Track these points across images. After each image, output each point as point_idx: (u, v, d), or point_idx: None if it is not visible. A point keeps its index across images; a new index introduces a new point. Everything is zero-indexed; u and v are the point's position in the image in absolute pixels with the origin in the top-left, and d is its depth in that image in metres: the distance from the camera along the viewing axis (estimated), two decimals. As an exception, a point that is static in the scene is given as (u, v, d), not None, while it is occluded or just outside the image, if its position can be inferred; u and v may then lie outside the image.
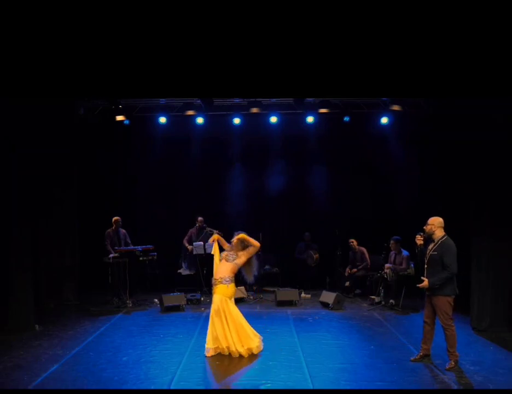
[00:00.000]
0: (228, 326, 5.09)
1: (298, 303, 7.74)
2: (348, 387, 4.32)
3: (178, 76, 4.38)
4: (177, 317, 6.85)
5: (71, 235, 8.08)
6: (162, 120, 8.56)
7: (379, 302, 7.65)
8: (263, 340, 5.36)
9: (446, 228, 4.91)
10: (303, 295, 8.25)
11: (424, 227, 4.92)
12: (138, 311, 7.33)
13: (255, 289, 8.70)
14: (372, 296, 7.84)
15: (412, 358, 5.03)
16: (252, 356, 5.12)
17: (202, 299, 7.82)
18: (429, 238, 4.91)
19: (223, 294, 5.16)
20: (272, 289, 8.40)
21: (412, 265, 7.67)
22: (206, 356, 5.11)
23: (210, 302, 5.49)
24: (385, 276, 7.63)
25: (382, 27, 4.05)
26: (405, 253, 7.75)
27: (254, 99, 8.16)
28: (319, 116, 8.48)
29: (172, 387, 4.30)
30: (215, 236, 5.62)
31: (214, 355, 5.10)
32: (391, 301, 7.54)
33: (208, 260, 7.38)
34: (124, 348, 5.44)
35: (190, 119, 8.63)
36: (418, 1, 3.96)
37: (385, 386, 4.34)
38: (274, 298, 7.86)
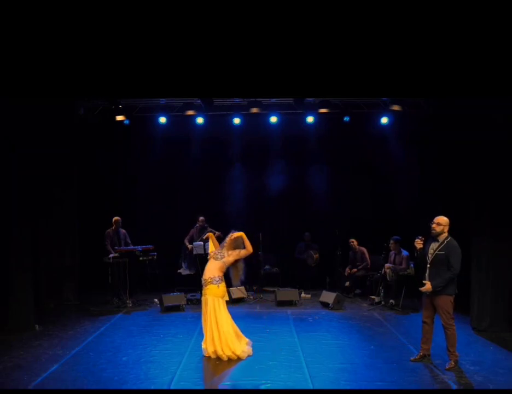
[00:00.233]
0: (218, 330, 5.02)
1: (298, 303, 7.74)
2: (348, 387, 4.32)
3: (178, 76, 4.38)
4: (177, 317, 6.85)
5: (71, 235, 8.07)
6: (162, 120, 8.56)
7: (379, 302, 7.65)
8: (263, 341, 5.35)
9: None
10: (303, 295, 8.25)
11: (434, 227, 4.82)
12: (138, 311, 7.33)
13: (255, 289, 8.71)
14: (372, 296, 7.84)
15: (412, 358, 5.03)
16: (252, 356, 5.12)
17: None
18: (434, 238, 4.88)
19: (214, 295, 5.09)
20: (272, 289, 8.40)
21: (412, 265, 7.67)
22: (205, 356, 5.12)
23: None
24: (386, 276, 7.64)
25: (382, 27, 4.05)
26: (404, 253, 7.75)
27: (254, 99, 8.16)
28: (319, 116, 8.48)
29: (172, 387, 4.30)
30: (209, 233, 5.58)
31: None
32: (391, 301, 7.54)
33: (208, 260, 7.37)
34: (124, 348, 5.44)
35: (190, 119, 8.63)
36: (418, 1, 3.96)
37: (385, 386, 4.34)
38: (274, 298, 7.86)
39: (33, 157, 6.61)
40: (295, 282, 8.70)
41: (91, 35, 4.08)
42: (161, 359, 5.05)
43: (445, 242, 4.79)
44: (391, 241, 7.82)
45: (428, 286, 4.75)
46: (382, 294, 7.71)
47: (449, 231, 4.86)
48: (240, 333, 5.26)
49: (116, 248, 7.68)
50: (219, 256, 5.20)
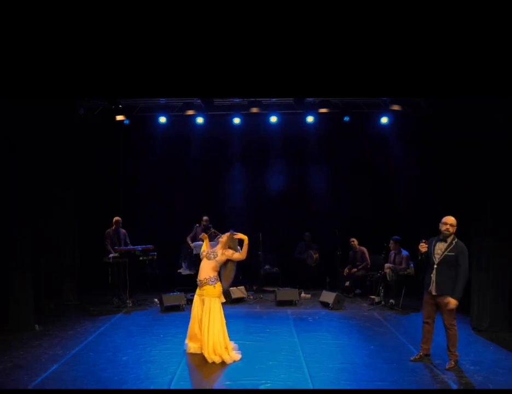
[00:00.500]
0: (208, 332, 4.99)
1: (298, 303, 7.75)
2: (348, 387, 4.32)
3: (178, 76, 4.37)
4: (177, 317, 6.85)
5: (71, 235, 8.07)
6: (162, 119, 8.56)
7: (379, 302, 7.65)
8: (263, 341, 5.33)
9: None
10: (303, 295, 8.25)
11: (448, 228, 4.76)
12: (138, 310, 7.33)
13: (255, 289, 8.71)
14: (372, 296, 7.84)
15: (412, 358, 5.03)
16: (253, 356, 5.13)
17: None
18: (440, 238, 4.85)
19: (211, 295, 5.09)
20: (272, 289, 8.39)
21: (412, 265, 7.68)
22: (191, 353, 5.17)
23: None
24: (386, 276, 7.64)
25: (382, 27, 4.05)
26: (404, 252, 7.75)
27: (254, 99, 8.17)
28: (319, 116, 8.48)
29: (171, 387, 4.30)
30: (204, 235, 5.54)
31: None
32: (391, 301, 7.54)
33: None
34: (124, 348, 5.44)
35: (190, 119, 8.63)
36: (418, 1, 3.96)
37: (385, 386, 4.34)
38: (274, 298, 7.86)
39: (33, 157, 6.61)
40: (295, 282, 8.70)
41: (91, 35, 4.08)
42: (161, 359, 5.05)
43: (454, 243, 4.77)
44: (391, 241, 7.83)
45: (453, 301, 4.63)
46: (382, 294, 7.72)
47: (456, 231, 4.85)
48: (228, 338, 5.17)
49: (116, 248, 7.68)
50: (212, 256, 5.16)
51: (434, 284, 4.80)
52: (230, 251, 5.17)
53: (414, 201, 8.74)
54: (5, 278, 6.08)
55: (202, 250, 5.36)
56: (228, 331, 5.18)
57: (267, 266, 9.01)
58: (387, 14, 3.99)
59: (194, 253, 8.24)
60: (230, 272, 5.23)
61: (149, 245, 7.82)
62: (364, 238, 8.63)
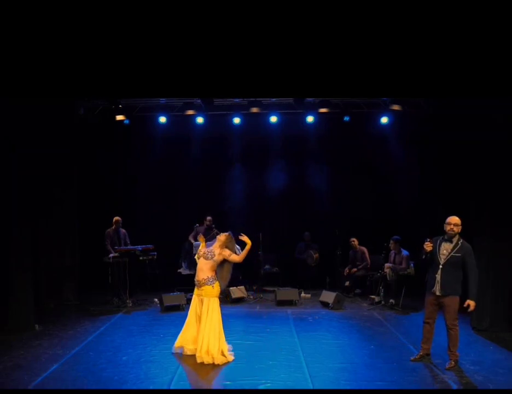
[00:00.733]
0: (205, 330, 4.98)
1: (298, 303, 7.75)
2: (348, 387, 4.32)
3: (178, 76, 4.38)
4: (177, 317, 6.84)
5: (71, 235, 8.07)
6: (162, 119, 8.57)
7: (379, 302, 7.65)
8: (263, 341, 5.32)
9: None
10: (303, 294, 8.25)
11: (452, 228, 4.76)
12: (138, 310, 7.33)
13: (255, 288, 8.72)
14: (372, 296, 7.84)
15: (412, 358, 5.03)
16: (252, 356, 5.14)
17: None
18: (445, 239, 4.84)
19: (210, 295, 5.07)
20: (272, 289, 8.39)
21: (412, 264, 7.68)
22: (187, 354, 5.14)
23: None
24: (386, 276, 7.64)
25: (382, 27, 4.05)
26: (404, 252, 7.75)
27: (254, 99, 8.17)
28: (319, 116, 8.48)
29: (171, 387, 4.30)
30: (201, 237, 5.50)
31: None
32: (391, 300, 7.54)
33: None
34: (124, 347, 5.44)
35: (190, 119, 8.64)
36: (418, 1, 3.96)
37: (385, 386, 4.34)
38: (274, 298, 7.86)
39: (33, 157, 6.60)
40: (295, 282, 8.70)
41: (91, 35, 4.08)
42: (161, 359, 5.05)
43: (459, 243, 4.76)
44: (391, 241, 7.83)
45: (473, 303, 4.67)
46: (382, 293, 7.72)
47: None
48: (223, 339, 5.15)
49: (116, 247, 7.68)
50: (209, 256, 5.11)
51: (439, 284, 4.79)
52: (228, 251, 5.15)
53: (414, 201, 8.74)
54: (5, 278, 6.07)
55: (198, 250, 5.32)
56: (228, 331, 5.18)
57: (267, 266, 9.01)
58: (387, 14, 3.99)
59: (194, 252, 8.24)
60: (227, 273, 5.20)
61: (149, 245, 7.82)
62: (364, 238, 8.63)
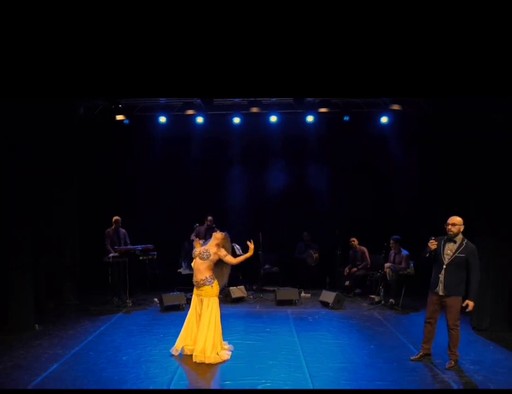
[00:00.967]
0: (203, 330, 4.99)
1: (298, 303, 7.75)
2: (348, 387, 4.32)
3: (178, 76, 4.38)
4: (177, 316, 6.83)
5: (71, 235, 8.08)
6: (162, 119, 8.57)
7: (379, 302, 7.66)
8: (263, 340, 5.31)
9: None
10: (303, 294, 8.26)
11: (450, 228, 4.78)
12: (138, 310, 7.33)
13: (255, 288, 8.72)
14: (372, 296, 7.85)
15: (412, 358, 5.03)
16: (252, 355, 5.14)
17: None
18: (449, 239, 4.83)
19: (210, 295, 5.08)
20: (272, 289, 8.39)
21: (412, 264, 7.68)
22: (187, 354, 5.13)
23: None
24: (386, 276, 7.64)
25: (382, 27, 4.05)
26: (404, 252, 7.75)
27: (254, 99, 8.17)
28: (319, 116, 8.49)
29: (171, 387, 4.31)
30: (197, 241, 5.48)
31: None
32: (391, 300, 7.55)
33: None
34: (124, 347, 5.44)
35: (190, 119, 8.65)
36: (418, 1, 3.96)
37: (385, 386, 4.34)
38: (274, 297, 7.86)
39: (33, 157, 6.60)
40: (295, 282, 8.70)
41: (91, 35, 4.08)
42: (161, 359, 5.05)
43: (463, 244, 4.76)
44: (391, 240, 7.83)
45: (471, 303, 4.68)
46: (382, 293, 7.72)
47: (462, 232, 4.84)
48: (221, 339, 5.17)
49: (116, 247, 7.68)
50: (205, 256, 5.08)
51: (442, 284, 4.79)
52: (223, 251, 5.14)
53: (414, 201, 8.74)
54: (5, 278, 6.08)
55: (194, 250, 5.31)
56: (228, 331, 5.18)
57: (267, 266, 9.02)
58: (387, 14, 3.99)
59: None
60: (225, 271, 5.24)
61: (148, 245, 7.82)
62: (364, 238, 8.63)
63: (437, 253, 4.86)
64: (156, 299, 7.77)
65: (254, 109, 8.23)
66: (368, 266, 8.44)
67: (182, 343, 5.21)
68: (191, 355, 5.07)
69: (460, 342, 4.86)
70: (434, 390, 4.31)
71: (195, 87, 4.57)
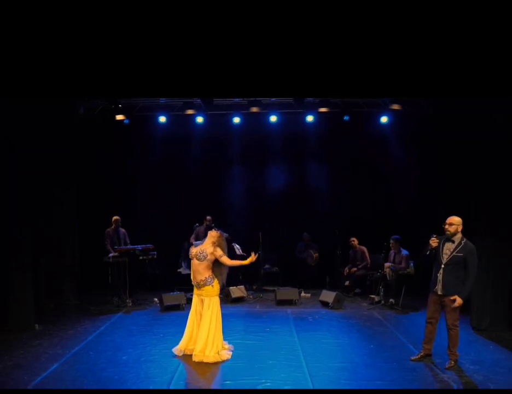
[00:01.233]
0: (204, 329, 5.00)
1: (298, 303, 7.75)
2: (348, 387, 4.32)
3: (178, 76, 4.38)
4: (177, 316, 6.85)
5: (71, 235, 8.08)
6: (162, 119, 8.57)
7: (379, 302, 7.66)
8: (263, 340, 5.32)
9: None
10: (303, 294, 8.26)
11: (447, 228, 4.78)
12: (138, 310, 7.34)
13: (255, 288, 8.72)
14: (372, 296, 7.85)
15: (412, 358, 5.03)
16: (252, 355, 5.14)
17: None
18: (448, 238, 4.84)
19: (211, 295, 5.08)
20: (272, 288, 8.39)
21: (412, 264, 7.68)
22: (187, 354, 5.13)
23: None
24: (386, 276, 7.64)
25: (382, 26, 4.05)
26: (404, 252, 7.75)
27: (253, 99, 8.17)
28: (319, 115, 8.50)
29: (171, 387, 4.31)
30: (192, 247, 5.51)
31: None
32: (391, 300, 7.55)
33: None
34: (124, 347, 5.44)
35: (190, 118, 8.65)
36: (418, 1, 3.96)
37: (385, 385, 4.34)
38: (274, 297, 7.87)
39: (33, 157, 6.60)
40: (295, 281, 8.70)
41: (91, 35, 4.08)
42: (161, 359, 5.05)
43: (462, 243, 4.76)
44: (391, 240, 7.83)
45: (459, 300, 4.66)
46: (381, 293, 7.72)
47: (462, 231, 4.84)
48: (221, 338, 5.17)
49: (116, 247, 7.68)
50: (202, 257, 5.06)
51: (441, 284, 4.79)
52: (220, 251, 5.11)
53: (414, 201, 8.74)
54: (5, 278, 6.08)
55: (190, 251, 5.29)
56: (228, 330, 5.18)
57: (267, 266, 9.01)
58: (387, 14, 3.99)
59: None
60: (225, 269, 5.23)
61: (148, 245, 7.83)
62: (364, 237, 8.63)
63: (437, 253, 4.87)
64: (156, 299, 7.78)
65: (254, 109, 8.22)
66: (368, 266, 8.44)
67: (185, 345, 5.21)
68: (191, 355, 5.07)
69: (460, 342, 4.86)
70: (434, 390, 4.32)
71: (195, 87, 4.57)
